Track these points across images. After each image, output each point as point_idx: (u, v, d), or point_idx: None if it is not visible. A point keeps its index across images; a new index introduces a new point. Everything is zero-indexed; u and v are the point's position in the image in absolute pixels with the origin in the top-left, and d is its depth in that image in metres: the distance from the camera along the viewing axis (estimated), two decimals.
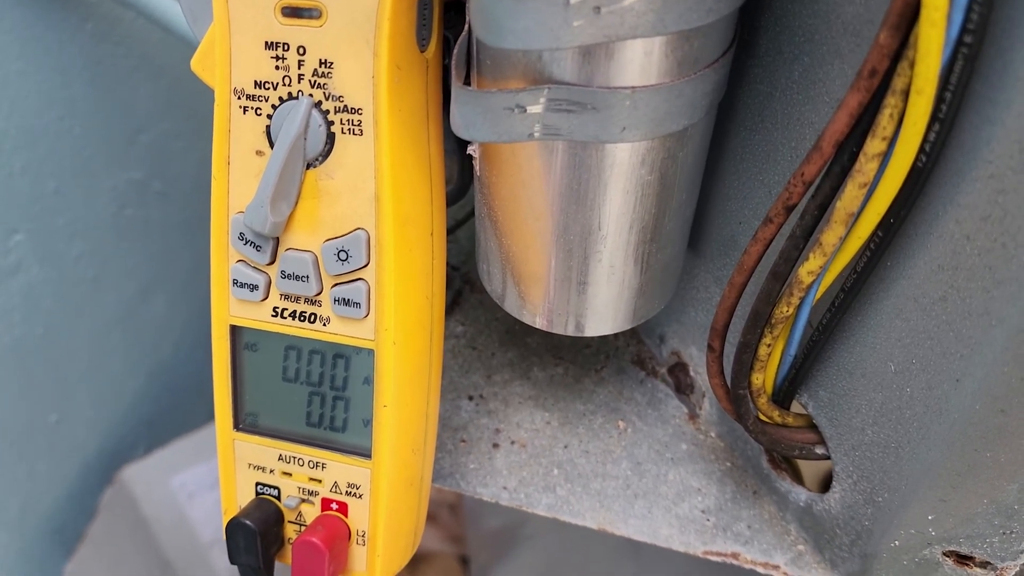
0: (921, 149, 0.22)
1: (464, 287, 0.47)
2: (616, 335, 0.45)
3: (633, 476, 0.39)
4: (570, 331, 0.34)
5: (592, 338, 0.45)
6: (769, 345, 0.30)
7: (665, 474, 0.39)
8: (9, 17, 0.67)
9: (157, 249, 0.91)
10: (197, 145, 0.88)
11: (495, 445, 0.40)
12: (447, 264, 0.49)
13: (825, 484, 0.36)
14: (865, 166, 0.23)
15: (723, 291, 0.30)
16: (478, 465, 0.39)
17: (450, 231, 0.45)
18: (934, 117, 0.22)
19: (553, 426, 0.41)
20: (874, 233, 0.25)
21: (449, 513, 1.06)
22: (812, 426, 0.34)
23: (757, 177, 0.31)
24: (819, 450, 0.33)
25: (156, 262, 0.91)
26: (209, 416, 1.03)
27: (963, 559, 0.31)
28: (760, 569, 0.36)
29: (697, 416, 0.41)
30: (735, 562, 0.36)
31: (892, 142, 0.23)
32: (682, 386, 0.41)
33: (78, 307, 0.82)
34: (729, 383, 0.32)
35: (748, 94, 0.30)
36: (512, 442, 0.40)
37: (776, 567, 0.36)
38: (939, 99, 0.21)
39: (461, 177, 0.39)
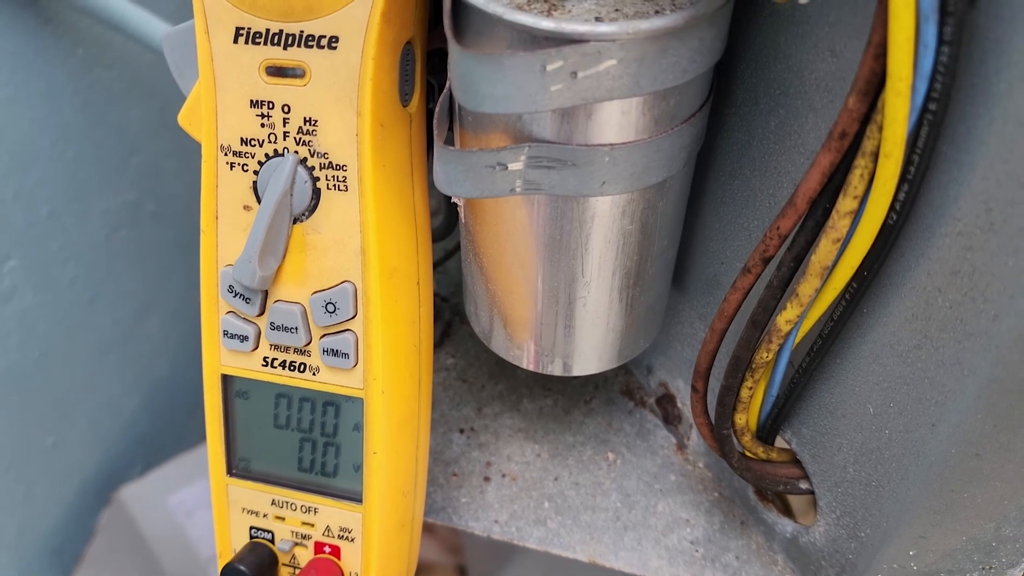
0: (891, 208, 0.23)
1: (454, 319, 0.47)
2: None
3: (623, 508, 0.39)
4: (557, 371, 0.34)
5: None
6: (751, 388, 0.30)
7: (654, 505, 0.39)
8: None
9: (151, 270, 0.91)
10: (189, 165, 0.88)
11: (486, 479, 0.41)
12: (436, 296, 0.49)
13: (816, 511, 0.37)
14: (838, 223, 0.24)
15: (705, 334, 0.30)
16: (470, 499, 0.40)
17: (439, 263, 0.45)
18: (903, 178, 0.22)
19: (543, 458, 0.41)
20: (849, 284, 0.26)
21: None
22: (796, 461, 0.34)
23: (737, 221, 0.32)
24: (803, 485, 0.34)
25: (150, 283, 0.92)
26: (204, 435, 1.03)
27: None
28: None
29: (685, 447, 0.42)
30: None
31: (863, 200, 0.23)
32: (670, 417, 0.42)
33: (73, 330, 0.83)
34: (713, 422, 0.33)
35: (727, 141, 0.31)
36: (503, 475, 0.41)
37: None
38: (907, 161, 0.22)
39: (448, 215, 0.40)
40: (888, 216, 0.23)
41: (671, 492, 0.40)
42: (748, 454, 0.34)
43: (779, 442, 0.34)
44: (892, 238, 0.24)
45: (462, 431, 0.42)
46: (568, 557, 0.38)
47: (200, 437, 1.01)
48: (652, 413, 0.43)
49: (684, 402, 0.41)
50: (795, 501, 0.41)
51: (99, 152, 0.81)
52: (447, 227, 0.40)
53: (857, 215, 0.24)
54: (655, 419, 0.43)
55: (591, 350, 0.33)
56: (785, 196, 0.29)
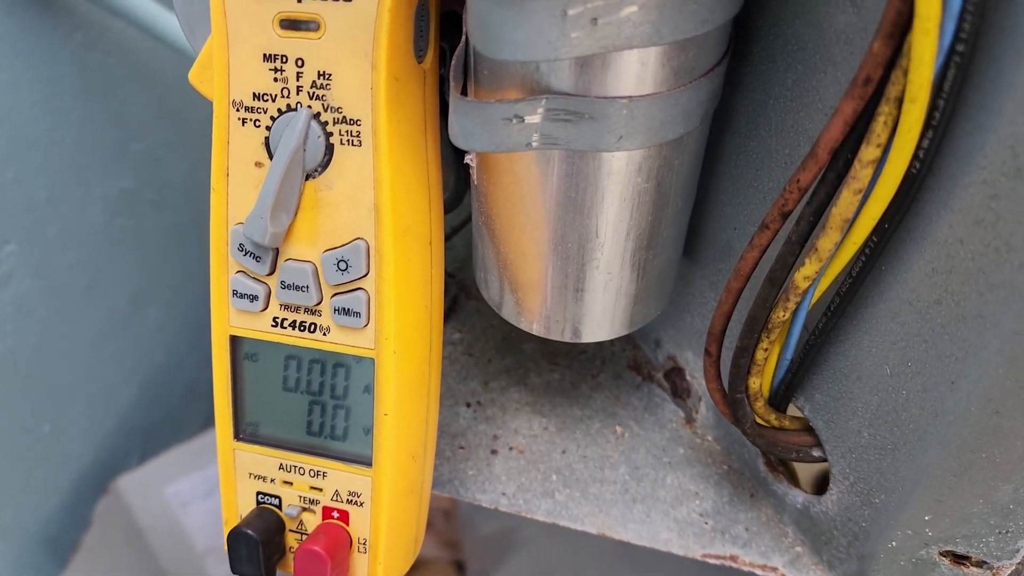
0: (915, 156, 0.23)
1: (460, 294, 0.47)
2: (612, 340, 0.45)
3: (631, 481, 0.39)
4: (567, 337, 0.34)
5: (588, 344, 0.45)
6: (766, 349, 0.30)
7: (663, 478, 0.39)
8: None
9: (149, 258, 0.91)
10: (188, 154, 0.88)
11: (493, 451, 0.40)
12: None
13: (819, 486, 0.37)
14: (860, 172, 0.24)
15: (720, 296, 0.30)
16: (477, 472, 0.39)
17: (446, 238, 0.45)
18: (927, 124, 0.22)
19: (551, 432, 0.41)
20: (869, 238, 0.25)
21: (444, 519, 1.06)
22: (808, 429, 0.34)
23: (752, 183, 0.32)
24: (816, 452, 0.33)
25: (148, 271, 0.91)
26: (202, 425, 1.03)
27: (959, 559, 0.31)
28: (759, 571, 0.36)
29: (693, 420, 0.41)
30: (734, 564, 0.36)
31: (886, 149, 0.23)
32: (678, 390, 0.41)
33: (71, 317, 0.82)
34: (726, 387, 0.32)
35: (743, 101, 0.31)
36: (510, 448, 0.40)
37: (774, 569, 0.36)
38: (932, 107, 0.22)
39: (457, 186, 0.40)
40: (911, 165, 0.23)
41: (680, 465, 0.40)
42: (760, 422, 0.33)
43: (791, 411, 0.34)
44: (915, 187, 0.24)
45: (468, 405, 0.42)
46: (577, 529, 0.37)
47: (198, 428, 1.01)
48: (660, 387, 0.43)
49: (693, 375, 0.40)
50: (802, 475, 0.40)
51: (98, 138, 0.81)
52: (455, 198, 0.40)
53: (880, 164, 0.23)
54: (663, 393, 0.42)
55: (602, 315, 0.33)
56: (802, 155, 0.29)
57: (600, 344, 0.45)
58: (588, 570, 0.75)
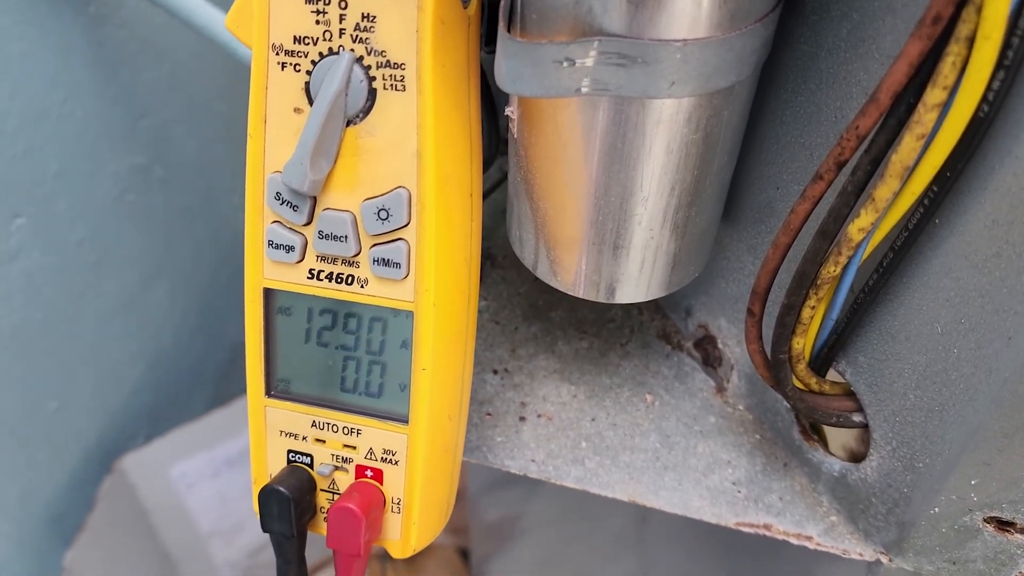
0: (984, 98, 0.22)
1: (486, 263, 0.46)
2: (641, 310, 0.44)
3: (662, 449, 0.39)
4: (602, 297, 0.33)
5: (616, 313, 0.44)
6: (813, 307, 0.29)
7: (694, 447, 0.39)
8: None
9: (159, 237, 0.90)
10: (198, 132, 0.87)
11: (522, 418, 0.40)
12: None
13: (850, 458, 0.36)
14: (924, 116, 0.23)
15: (766, 254, 0.29)
16: (505, 438, 0.39)
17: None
18: (999, 64, 0.22)
19: (579, 399, 0.40)
20: (928, 188, 0.25)
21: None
22: (848, 394, 0.33)
23: (798, 140, 0.31)
24: (856, 417, 0.33)
25: (158, 250, 0.90)
26: (208, 406, 1.03)
27: (1004, 525, 0.31)
28: (793, 540, 0.35)
29: (725, 390, 0.41)
30: (767, 533, 0.36)
31: (953, 91, 0.23)
32: (710, 359, 0.41)
33: (79, 293, 0.82)
34: (768, 348, 0.32)
35: (792, 55, 0.30)
36: (539, 415, 0.40)
37: (809, 538, 0.35)
38: (1006, 45, 0.21)
39: (488, 148, 0.39)
40: (979, 107, 0.22)
41: (711, 434, 0.39)
42: (799, 386, 0.33)
43: (830, 376, 0.33)
44: (981, 132, 0.23)
45: (495, 372, 0.41)
46: (607, 496, 0.37)
47: (204, 408, 1.00)
48: (690, 356, 0.42)
49: (725, 343, 0.40)
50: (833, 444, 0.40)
51: (109, 112, 0.80)
52: (486, 161, 0.39)
53: (945, 108, 0.23)
54: (693, 363, 0.42)
55: (639, 275, 0.32)
56: (854, 110, 0.28)
57: (628, 313, 0.44)
58: (590, 558, 0.74)
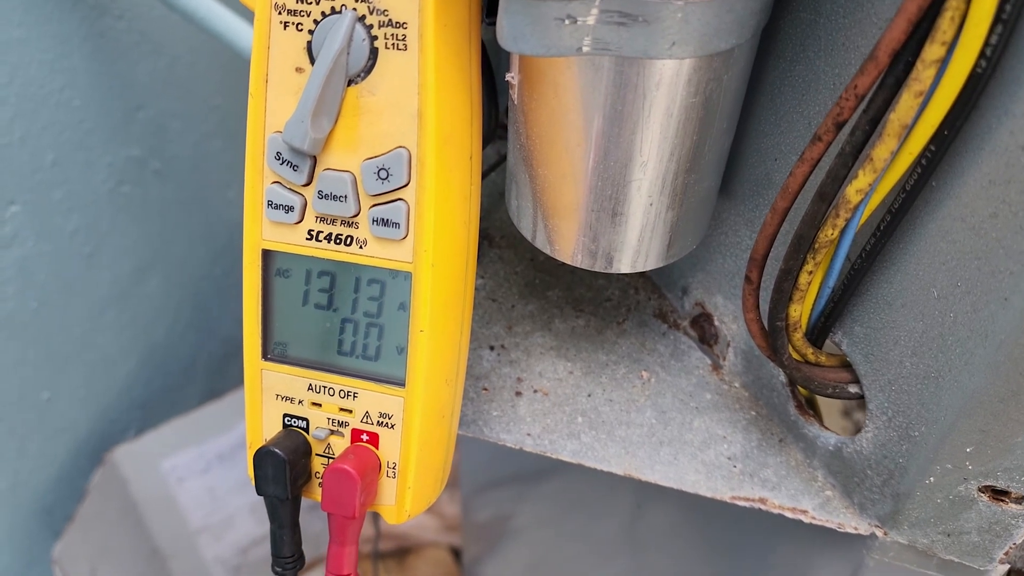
0: (982, 53, 0.22)
1: (482, 242, 0.46)
2: (637, 289, 0.44)
3: (658, 424, 0.39)
4: (599, 266, 0.33)
5: (613, 292, 0.44)
6: (811, 272, 0.29)
7: (690, 422, 0.39)
8: None
9: (153, 229, 0.90)
10: (194, 126, 0.87)
11: (518, 393, 0.40)
12: None
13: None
14: (922, 73, 0.23)
15: (764, 219, 0.30)
16: (501, 412, 0.39)
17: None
18: (997, 18, 0.22)
19: (576, 375, 0.40)
20: (926, 147, 0.25)
21: (448, 501, 1.05)
22: (844, 365, 0.33)
23: (796, 109, 0.31)
24: (852, 388, 0.33)
25: (152, 242, 0.90)
26: (201, 400, 1.02)
27: (999, 495, 0.31)
28: (788, 514, 0.35)
29: (721, 367, 0.41)
30: (763, 507, 0.36)
31: (951, 47, 0.23)
32: (706, 336, 0.41)
33: (72, 283, 0.81)
34: (766, 317, 0.32)
35: (790, 23, 0.30)
36: (535, 391, 0.40)
37: (804, 512, 0.35)
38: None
39: (486, 126, 0.39)
40: (977, 63, 0.23)
41: (707, 410, 0.39)
42: (795, 356, 0.33)
43: (827, 348, 0.34)
44: (979, 89, 0.23)
45: (492, 348, 0.41)
46: (603, 470, 0.37)
47: (196, 402, 0.99)
48: (686, 335, 0.42)
49: (721, 320, 0.40)
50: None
51: (106, 103, 0.80)
52: (484, 137, 0.39)
53: (943, 64, 0.23)
54: (689, 341, 0.42)
55: (638, 243, 0.33)
56: (852, 76, 0.28)
57: (625, 293, 0.44)
58: (582, 558, 0.74)
